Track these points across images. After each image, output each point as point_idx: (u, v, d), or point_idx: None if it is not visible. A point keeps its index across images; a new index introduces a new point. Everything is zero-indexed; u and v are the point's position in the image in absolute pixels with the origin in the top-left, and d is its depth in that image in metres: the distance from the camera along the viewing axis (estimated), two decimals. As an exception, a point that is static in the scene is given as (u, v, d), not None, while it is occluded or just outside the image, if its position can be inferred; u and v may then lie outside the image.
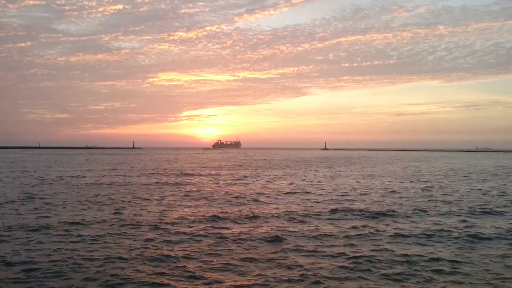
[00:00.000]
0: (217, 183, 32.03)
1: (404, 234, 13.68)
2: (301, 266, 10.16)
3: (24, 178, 35.73)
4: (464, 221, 16.17)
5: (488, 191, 27.42)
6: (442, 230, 14.36)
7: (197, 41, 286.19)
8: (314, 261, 10.56)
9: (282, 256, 11.03)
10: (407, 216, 17.20)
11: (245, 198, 22.87)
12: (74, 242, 12.40)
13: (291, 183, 32.25)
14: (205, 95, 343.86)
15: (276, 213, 17.73)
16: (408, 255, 11.13)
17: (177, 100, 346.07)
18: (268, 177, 38.43)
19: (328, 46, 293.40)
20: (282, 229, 14.39)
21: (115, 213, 17.54)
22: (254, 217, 16.73)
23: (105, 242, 12.34)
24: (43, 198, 22.08)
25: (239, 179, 36.49)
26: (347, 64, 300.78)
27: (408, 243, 12.52)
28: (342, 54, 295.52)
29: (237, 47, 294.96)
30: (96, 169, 49.82)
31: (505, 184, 32.73)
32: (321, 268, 10.02)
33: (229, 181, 33.82)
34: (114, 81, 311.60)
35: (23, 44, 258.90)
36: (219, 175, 41.54)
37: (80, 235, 13.21)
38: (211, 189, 27.52)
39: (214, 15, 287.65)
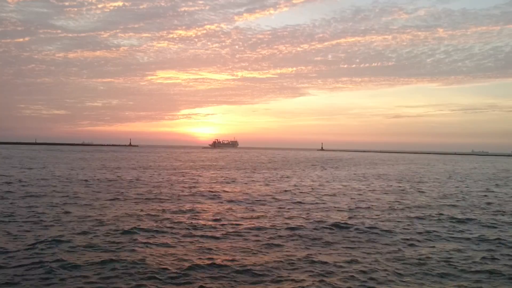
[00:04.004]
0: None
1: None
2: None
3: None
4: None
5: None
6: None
7: (196, 40, 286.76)
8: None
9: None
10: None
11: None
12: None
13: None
14: (203, 94, 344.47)
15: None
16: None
17: (175, 99, 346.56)
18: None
19: (327, 47, 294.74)
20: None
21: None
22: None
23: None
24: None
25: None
26: (345, 65, 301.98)
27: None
28: (341, 55, 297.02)
29: (236, 46, 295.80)
30: None
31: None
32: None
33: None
34: (112, 78, 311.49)
35: (21, 40, 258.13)
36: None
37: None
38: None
39: (214, 13, 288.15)
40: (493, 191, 31.13)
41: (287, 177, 40.75)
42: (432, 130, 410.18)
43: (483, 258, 11.82)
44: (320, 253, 11.89)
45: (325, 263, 10.93)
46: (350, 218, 17.62)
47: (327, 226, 15.62)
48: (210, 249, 12.07)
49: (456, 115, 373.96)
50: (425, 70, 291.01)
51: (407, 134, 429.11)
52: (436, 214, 19.22)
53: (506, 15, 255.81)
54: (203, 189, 27.49)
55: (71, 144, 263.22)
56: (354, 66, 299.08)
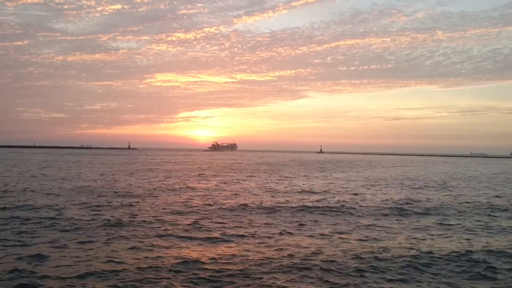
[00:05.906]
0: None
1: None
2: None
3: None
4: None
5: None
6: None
7: (195, 42, 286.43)
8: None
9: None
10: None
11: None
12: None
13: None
14: (202, 97, 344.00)
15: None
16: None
17: (173, 101, 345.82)
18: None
19: (326, 49, 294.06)
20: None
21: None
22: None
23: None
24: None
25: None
26: (344, 68, 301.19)
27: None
28: (340, 57, 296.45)
29: (235, 49, 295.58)
30: None
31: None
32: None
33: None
34: (111, 81, 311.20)
35: (20, 43, 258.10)
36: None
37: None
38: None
39: (213, 16, 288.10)
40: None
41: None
42: (431, 132, 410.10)
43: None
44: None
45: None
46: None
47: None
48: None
49: (454, 117, 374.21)
50: (424, 72, 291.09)
51: (406, 136, 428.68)
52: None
53: (505, 17, 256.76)
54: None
55: (70, 147, 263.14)
56: (353, 68, 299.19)
